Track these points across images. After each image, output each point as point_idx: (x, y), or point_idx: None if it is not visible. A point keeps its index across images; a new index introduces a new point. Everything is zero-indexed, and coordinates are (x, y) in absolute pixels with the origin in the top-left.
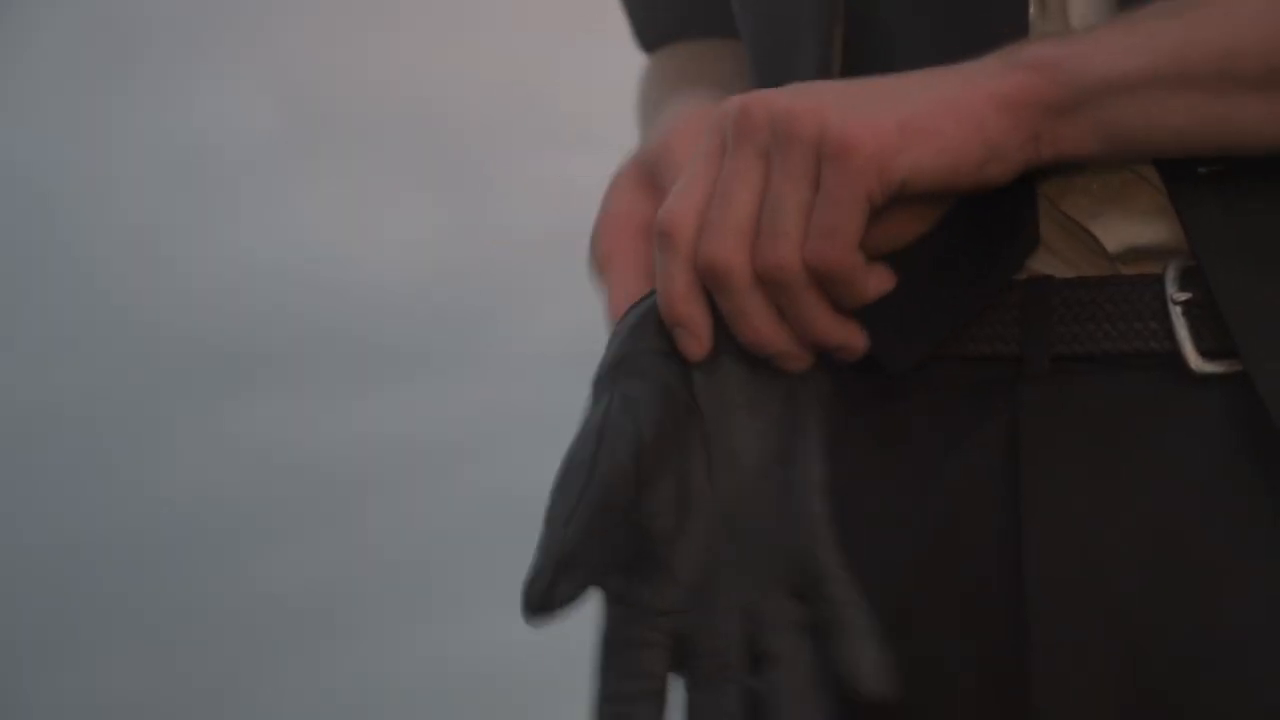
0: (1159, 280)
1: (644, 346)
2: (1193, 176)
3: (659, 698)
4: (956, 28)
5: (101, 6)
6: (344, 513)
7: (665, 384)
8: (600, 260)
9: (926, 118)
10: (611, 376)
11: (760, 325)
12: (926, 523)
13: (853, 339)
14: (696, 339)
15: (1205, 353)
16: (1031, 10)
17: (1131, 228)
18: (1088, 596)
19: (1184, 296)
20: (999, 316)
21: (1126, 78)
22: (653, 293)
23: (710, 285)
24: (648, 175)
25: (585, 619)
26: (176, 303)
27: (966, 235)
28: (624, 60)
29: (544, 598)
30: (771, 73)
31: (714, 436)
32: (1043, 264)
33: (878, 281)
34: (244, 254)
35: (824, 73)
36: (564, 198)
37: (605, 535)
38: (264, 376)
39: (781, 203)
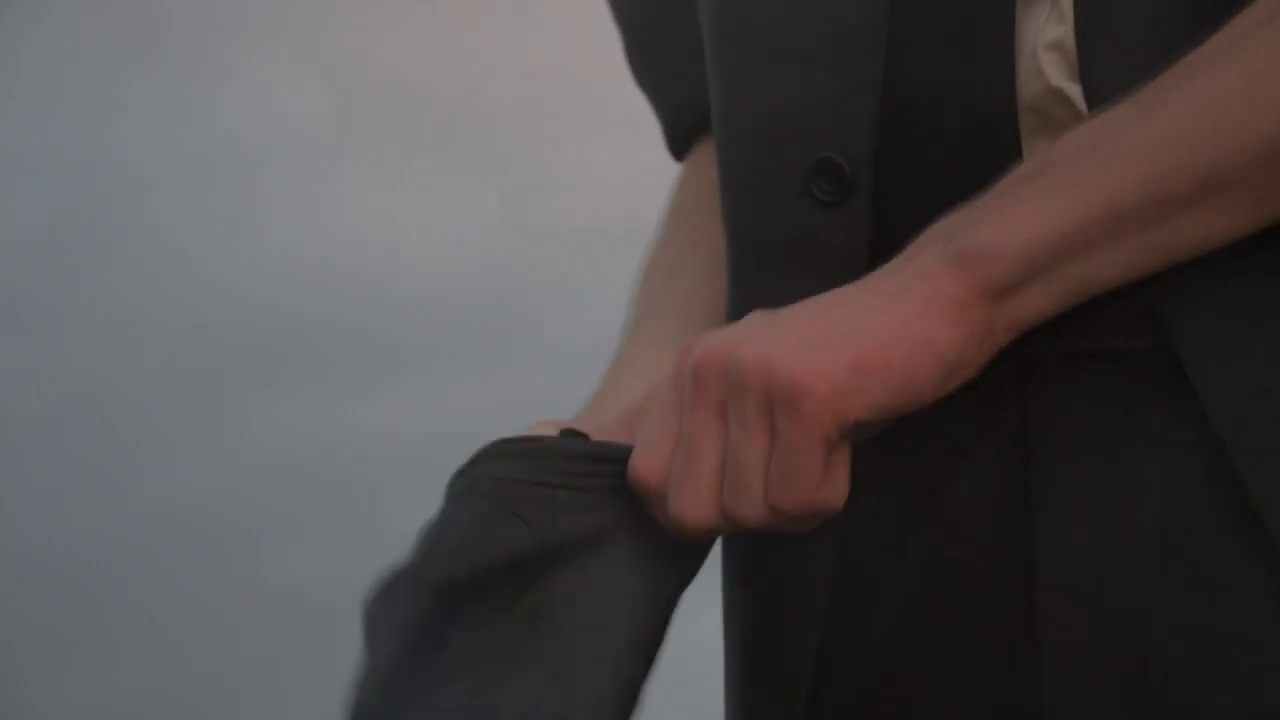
0: None
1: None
2: None
3: None
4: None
5: None
6: (378, 509)
7: (519, 509)
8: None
9: (875, 351)
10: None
11: None
12: (938, 522)
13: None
14: None
15: None
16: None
17: None
18: (1098, 594)
19: None
20: None
21: (1063, 237)
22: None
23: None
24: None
25: None
26: (207, 297)
27: None
28: None
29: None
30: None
31: (569, 561)
32: None
33: (843, 496)
34: (277, 248)
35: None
36: (608, 190)
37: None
38: (298, 371)
39: (741, 456)
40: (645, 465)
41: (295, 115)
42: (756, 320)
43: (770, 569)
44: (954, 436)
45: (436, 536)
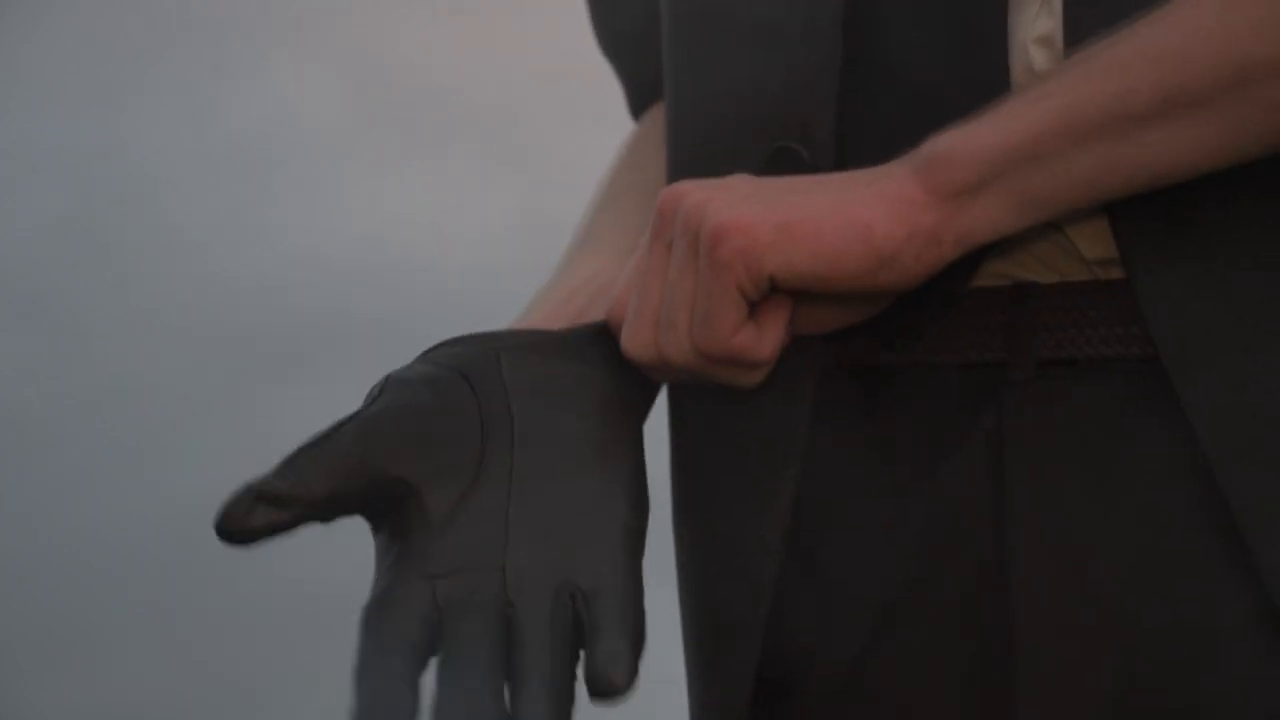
0: None
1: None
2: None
3: (415, 676)
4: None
5: None
6: None
7: (460, 367)
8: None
9: (809, 220)
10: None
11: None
12: (914, 528)
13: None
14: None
15: None
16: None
17: (1105, 236)
18: (1074, 600)
19: None
20: (984, 323)
21: (1024, 144)
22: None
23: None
24: None
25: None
26: (217, 296)
27: None
28: None
29: (239, 526)
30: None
31: (521, 416)
32: (1026, 270)
33: (767, 351)
34: (290, 245)
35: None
36: None
37: (338, 480)
38: (310, 371)
39: (672, 294)
40: (613, 304)
41: (309, 112)
42: (731, 178)
43: (721, 528)
44: (931, 444)
45: (383, 403)
